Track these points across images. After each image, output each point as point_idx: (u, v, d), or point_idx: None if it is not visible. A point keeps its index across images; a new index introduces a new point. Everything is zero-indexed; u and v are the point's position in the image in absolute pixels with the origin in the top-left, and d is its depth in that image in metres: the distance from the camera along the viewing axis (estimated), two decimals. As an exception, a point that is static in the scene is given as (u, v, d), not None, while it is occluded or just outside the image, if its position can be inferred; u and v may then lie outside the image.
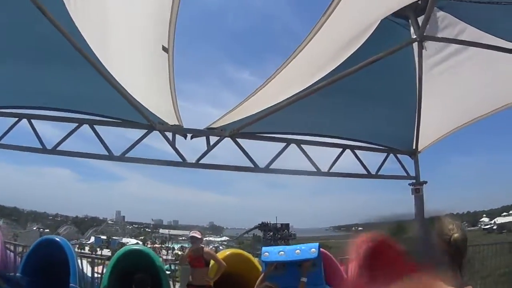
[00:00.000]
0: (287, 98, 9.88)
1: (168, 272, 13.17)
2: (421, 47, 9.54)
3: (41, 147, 11.42)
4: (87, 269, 12.68)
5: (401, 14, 9.06)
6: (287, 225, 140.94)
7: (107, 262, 12.11)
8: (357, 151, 13.49)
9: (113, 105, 10.43)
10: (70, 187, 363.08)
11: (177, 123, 11.29)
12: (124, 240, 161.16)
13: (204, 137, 11.77)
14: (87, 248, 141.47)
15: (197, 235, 10.87)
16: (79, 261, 11.24)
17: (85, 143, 13.01)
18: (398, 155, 13.99)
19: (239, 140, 12.04)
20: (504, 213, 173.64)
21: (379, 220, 4.91)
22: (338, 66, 9.44)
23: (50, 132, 16.47)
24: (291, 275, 9.78)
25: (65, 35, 7.25)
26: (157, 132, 11.42)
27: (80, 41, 7.72)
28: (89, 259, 13.86)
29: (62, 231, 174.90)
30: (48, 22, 6.88)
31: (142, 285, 10.27)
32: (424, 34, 8.73)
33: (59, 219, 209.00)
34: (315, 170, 12.79)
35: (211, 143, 11.81)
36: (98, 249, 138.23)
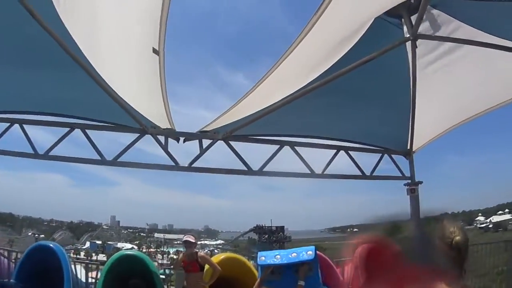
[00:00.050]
0: (280, 100, 9.82)
1: (162, 277, 13.11)
2: (414, 46, 9.48)
3: (33, 152, 11.32)
4: (81, 275, 12.62)
5: (394, 13, 8.99)
6: (282, 227, 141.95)
7: (101, 267, 12.03)
8: (351, 152, 13.44)
9: (105, 109, 10.36)
10: (64, 192, 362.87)
11: (169, 126, 11.22)
12: (119, 245, 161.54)
13: (197, 141, 11.72)
14: (82, 254, 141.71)
15: (191, 239, 10.78)
16: (73, 266, 11.16)
17: (77, 148, 12.97)
18: (393, 156, 13.96)
19: (232, 143, 11.97)
20: (500, 212, 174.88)
21: (375, 220, 4.85)
22: (331, 66, 9.38)
23: (42, 137, 16.45)
24: (288, 279, 9.70)
25: (56, 39, 7.15)
26: (150, 136, 11.34)
27: (71, 44, 7.62)
28: (83, 264, 13.79)
29: (57, 236, 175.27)
30: (36, 24, 6.78)
31: (137, 291, 10.21)
32: (418, 32, 8.67)
33: (54, 224, 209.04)
34: (309, 172, 12.74)
35: (204, 146, 11.76)
36: (93, 254, 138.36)
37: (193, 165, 11.60)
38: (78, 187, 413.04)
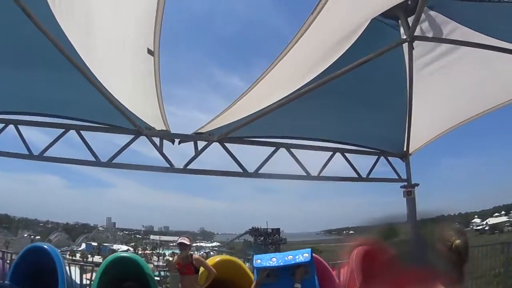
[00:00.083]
0: (276, 101, 9.79)
1: (157, 279, 13.07)
2: (411, 48, 9.45)
3: (28, 153, 11.25)
4: (76, 276, 12.58)
5: (390, 15, 8.96)
6: (278, 229, 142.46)
7: (96, 268, 11.98)
8: (347, 154, 13.40)
9: (100, 111, 10.30)
10: (60, 193, 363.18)
11: (164, 128, 11.17)
12: (115, 246, 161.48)
13: (192, 142, 11.66)
14: (78, 255, 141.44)
15: (186, 241, 10.71)
16: (67, 268, 11.12)
17: (72, 149, 12.88)
18: (389, 158, 13.92)
19: (227, 144, 11.91)
20: (496, 214, 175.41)
21: (371, 223, 4.82)
22: (327, 68, 9.34)
23: (37, 137, 16.33)
24: (284, 282, 9.70)
25: (51, 39, 7.12)
26: (145, 137, 11.28)
27: (66, 45, 7.59)
28: (78, 266, 13.74)
29: (53, 238, 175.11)
30: (32, 25, 6.74)
31: (132, 294, 10.16)
32: (414, 34, 8.63)
33: (50, 226, 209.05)
34: (305, 174, 12.71)
35: (199, 148, 11.70)
36: (89, 255, 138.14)
37: (188, 167, 11.54)
38: (74, 189, 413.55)
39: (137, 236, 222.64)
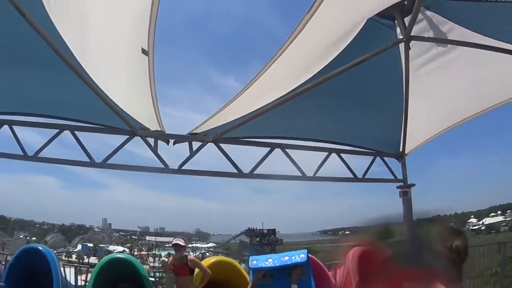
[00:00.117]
0: (271, 102, 9.76)
1: (152, 280, 13.02)
2: (407, 48, 9.42)
3: (23, 153, 11.23)
4: (71, 277, 12.54)
5: (387, 15, 8.93)
6: (274, 230, 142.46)
7: (92, 269, 11.94)
8: (343, 155, 13.39)
9: (94, 111, 10.27)
10: (55, 194, 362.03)
11: (159, 128, 11.14)
12: (111, 247, 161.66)
13: (187, 143, 11.63)
14: (74, 256, 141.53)
15: (181, 242, 10.67)
16: (62, 269, 11.08)
17: (67, 149, 12.84)
18: (385, 158, 13.91)
19: (222, 145, 11.89)
20: (492, 214, 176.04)
21: (367, 223, 4.79)
22: (323, 68, 9.31)
23: (32, 138, 16.26)
24: (281, 283, 9.65)
25: (46, 39, 7.08)
26: (139, 138, 11.24)
27: (61, 45, 7.55)
28: (74, 267, 13.72)
29: (49, 239, 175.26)
30: (26, 25, 6.70)
31: (126, 295, 10.12)
32: (411, 34, 8.60)
33: (45, 227, 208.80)
34: (301, 174, 12.69)
35: (194, 148, 11.67)
36: (85, 256, 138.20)
37: (183, 168, 11.53)
38: (69, 190, 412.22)
39: (133, 237, 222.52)
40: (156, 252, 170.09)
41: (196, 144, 11.67)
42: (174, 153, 12.45)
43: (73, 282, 12.58)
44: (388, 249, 4.56)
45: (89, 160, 11.23)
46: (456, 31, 8.88)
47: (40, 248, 10.89)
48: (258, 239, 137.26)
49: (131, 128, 10.79)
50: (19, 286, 10.42)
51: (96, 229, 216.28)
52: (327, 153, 13.15)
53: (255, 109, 10.10)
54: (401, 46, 9.51)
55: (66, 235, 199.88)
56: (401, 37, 8.87)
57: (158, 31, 8.08)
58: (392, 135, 12.99)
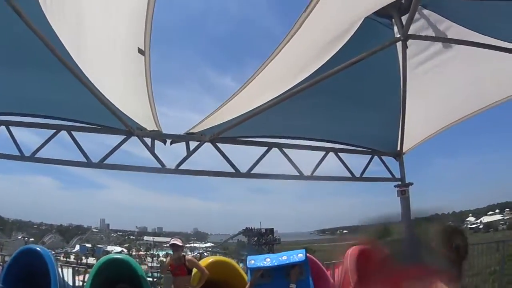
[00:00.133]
0: (268, 101, 9.75)
1: (150, 279, 13.01)
2: (405, 47, 9.44)
3: (19, 154, 11.19)
4: (68, 278, 12.53)
5: (384, 14, 8.96)
6: (272, 230, 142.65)
7: (90, 270, 11.93)
8: (340, 154, 13.36)
9: (91, 111, 10.26)
10: (53, 195, 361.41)
11: (156, 128, 11.12)
12: (109, 248, 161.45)
13: (184, 143, 11.60)
14: (72, 257, 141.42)
15: (178, 242, 10.64)
16: (60, 270, 11.08)
17: (64, 150, 12.82)
18: (383, 157, 13.89)
19: (219, 144, 11.87)
20: (490, 212, 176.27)
21: (366, 222, 4.78)
22: (320, 67, 9.30)
23: (29, 138, 16.25)
24: (279, 283, 9.64)
25: (42, 39, 7.07)
26: (136, 138, 11.23)
27: (58, 45, 7.55)
28: (71, 268, 13.70)
29: (47, 240, 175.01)
30: (23, 25, 6.69)
31: (124, 296, 10.11)
32: (408, 33, 8.59)
33: (43, 227, 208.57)
34: (298, 174, 12.66)
35: (191, 148, 11.64)
36: (83, 257, 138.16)
37: (180, 168, 11.51)
38: (67, 190, 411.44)
39: (131, 237, 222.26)
40: (154, 252, 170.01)
41: (193, 144, 11.65)
42: (171, 153, 12.43)
43: (71, 283, 12.54)
44: (386, 248, 4.55)
45: (86, 161, 11.18)
46: (454, 30, 8.89)
47: (37, 249, 10.89)
48: (256, 238, 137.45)
49: (128, 128, 10.78)
50: (17, 287, 10.41)
51: (94, 230, 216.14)
52: (324, 152, 13.11)
53: (252, 109, 10.09)
54: (399, 45, 9.54)
55: (64, 235, 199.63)
56: (398, 36, 8.91)
57: (155, 31, 8.05)
58: (389, 134, 12.98)
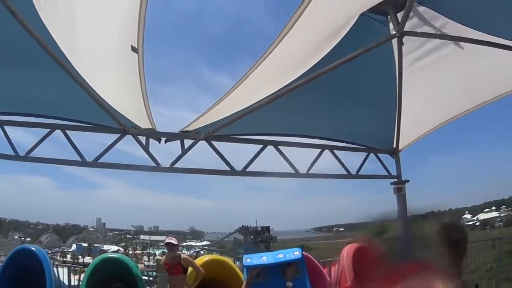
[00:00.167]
0: (263, 98, 9.72)
1: (145, 278, 12.98)
2: (400, 43, 9.40)
3: (14, 154, 11.14)
4: (64, 277, 12.50)
5: (379, 10, 8.95)
6: (268, 228, 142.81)
7: (85, 269, 11.90)
8: (336, 151, 13.35)
9: (85, 110, 10.23)
10: (49, 194, 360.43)
11: (150, 126, 11.08)
12: (106, 247, 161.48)
13: (179, 141, 11.57)
14: (69, 256, 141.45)
15: (173, 241, 10.60)
16: (55, 269, 11.05)
17: (59, 149, 12.77)
18: (379, 154, 13.87)
19: (214, 142, 11.85)
20: (486, 209, 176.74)
21: (362, 220, 4.76)
22: (316, 63, 9.27)
23: (23, 138, 16.18)
24: (275, 281, 9.60)
25: (36, 38, 7.04)
26: (131, 138, 11.19)
27: (51, 44, 7.50)
28: (67, 267, 13.67)
29: (43, 239, 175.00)
30: (17, 24, 6.64)
31: (119, 295, 10.07)
32: (404, 29, 8.56)
33: (40, 227, 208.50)
34: (294, 172, 12.64)
35: (186, 146, 11.62)
36: (80, 256, 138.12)
37: (175, 166, 11.48)
38: (63, 190, 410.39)
39: (127, 236, 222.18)
40: (151, 251, 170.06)
41: (188, 142, 11.64)
42: (166, 152, 12.38)
43: (66, 282, 12.51)
44: (383, 245, 4.53)
45: (80, 160, 11.13)
46: (449, 26, 8.88)
47: (32, 248, 10.86)
48: (252, 236, 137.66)
49: (122, 127, 10.74)
50: (12, 287, 10.39)
51: (90, 229, 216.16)
52: (320, 149, 13.09)
53: (247, 106, 10.06)
54: (394, 41, 9.50)
55: (61, 235, 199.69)
56: (394, 32, 8.85)
57: (151, 31, 8.03)
58: (385, 131, 12.98)
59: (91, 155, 11.18)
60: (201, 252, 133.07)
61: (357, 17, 8.72)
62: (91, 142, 16.76)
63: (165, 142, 11.49)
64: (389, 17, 9.06)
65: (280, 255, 9.73)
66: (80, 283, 11.47)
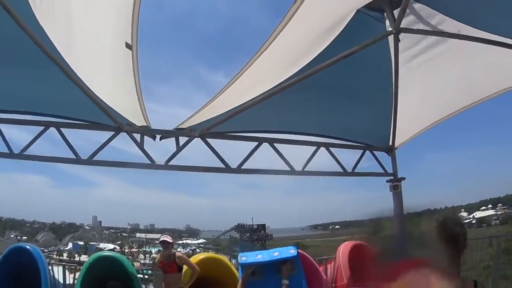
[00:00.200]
0: (259, 95, 9.69)
1: (140, 276, 12.94)
2: (397, 40, 9.37)
3: (8, 151, 11.03)
4: (59, 276, 12.46)
5: (375, 7, 8.91)
6: (264, 225, 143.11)
7: (80, 268, 11.87)
8: (332, 149, 13.32)
9: (80, 107, 10.18)
10: (45, 193, 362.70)
11: (145, 124, 11.03)
12: (102, 245, 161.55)
13: (173, 138, 11.53)
14: (65, 255, 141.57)
15: (168, 239, 10.60)
16: (50, 268, 11.03)
17: (54, 146, 12.72)
18: (375, 152, 13.85)
19: (209, 140, 11.80)
20: (483, 207, 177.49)
21: (359, 217, 4.76)
22: (311, 60, 9.22)
23: (17, 136, 16.12)
24: (271, 279, 9.57)
25: (31, 36, 7.02)
26: (126, 135, 11.15)
27: (46, 42, 7.46)
28: (62, 266, 13.62)
29: (40, 238, 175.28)
30: (11, 21, 6.61)
31: (115, 293, 10.03)
32: (400, 26, 8.53)
33: (36, 226, 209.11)
34: (289, 169, 12.60)
35: (181, 144, 11.56)
36: (76, 255, 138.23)
37: (170, 163, 11.42)
38: (58, 188, 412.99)
39: (123, 234, 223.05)
40: (147, 249, 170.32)
41: (183, 140, 11.58)
42: (161, 149, 12.33)
43: (61, 281, 12.47)
44: (379, 243, 4.50)
45: (75, 157, 11.06)
46: (446, 23, 8.85)
47: (27, 247, 10.84)
48: (248, 234, 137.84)
49: (117, 124, 10.70)
50: (7, 286, 10.36)
51: (86, 227, 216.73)
52: (315, 147, 13.06)
53: (242, 103, 10.01)
54: (391, 38, 9.49)
55: (57, 233, 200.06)
56: (390, 29, 8.85)
57: (145, 30, 8.00)
58: (381, 129, 12.95)
59: (85, 153, 11.11)
60: (197, 250, 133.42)
61: (353, 13, 8.68)
62: (86, 140, 16.78)
63: (160, 139, 11.43)
64: (385, 14, 9.03)
65: (276, 253, 9.70)
66: (76, 281, 11.43)
